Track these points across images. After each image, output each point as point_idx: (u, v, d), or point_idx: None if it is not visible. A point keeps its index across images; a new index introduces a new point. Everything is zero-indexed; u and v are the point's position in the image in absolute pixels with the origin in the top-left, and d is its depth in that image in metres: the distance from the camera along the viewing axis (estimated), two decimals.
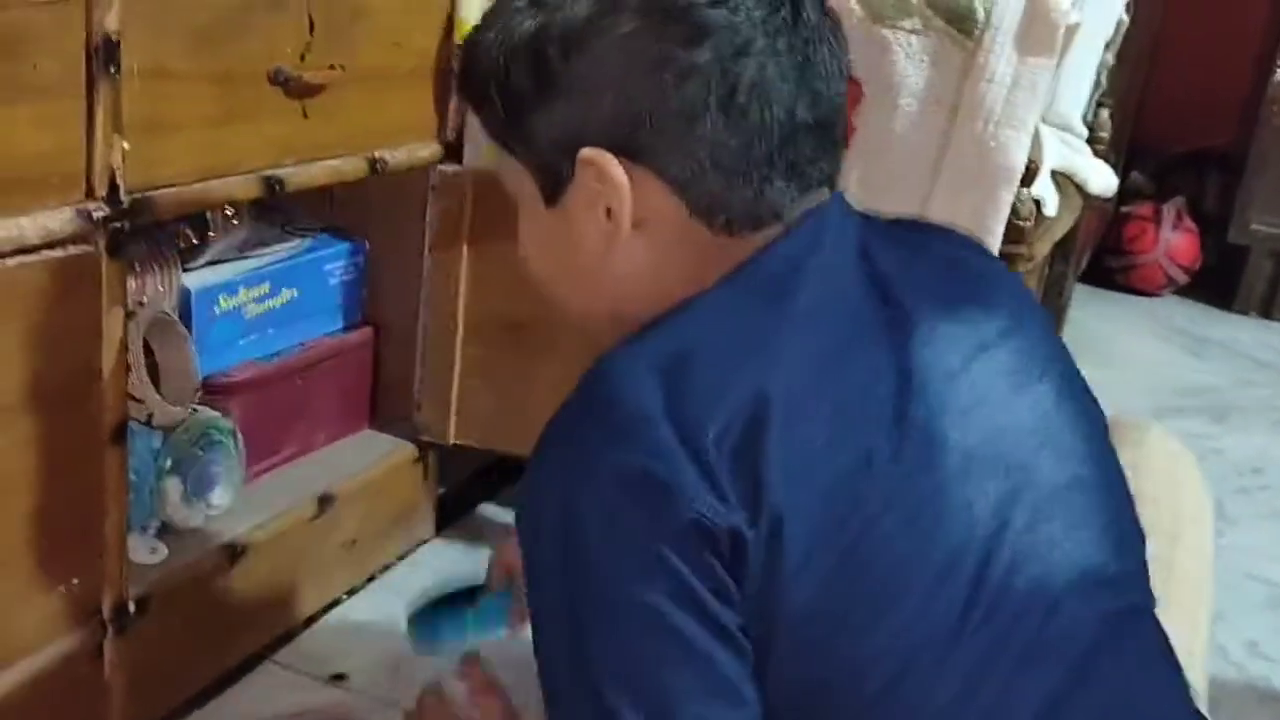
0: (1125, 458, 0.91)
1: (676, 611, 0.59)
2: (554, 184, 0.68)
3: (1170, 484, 0.97)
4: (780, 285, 0.64)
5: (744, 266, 0.65)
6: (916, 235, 0.75)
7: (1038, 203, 1.29)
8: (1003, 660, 0.62)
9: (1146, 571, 0.72)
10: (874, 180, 1.12)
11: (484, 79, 0.68)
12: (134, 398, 1.02)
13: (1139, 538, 0.72)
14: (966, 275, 0.72)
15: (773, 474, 0.59)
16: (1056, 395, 0.69)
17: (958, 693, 0.61)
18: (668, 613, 0.59)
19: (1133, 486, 0.73)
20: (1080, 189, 1.67)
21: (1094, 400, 0.73)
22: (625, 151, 0.65)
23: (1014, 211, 1.17)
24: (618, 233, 0.66)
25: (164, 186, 0.92)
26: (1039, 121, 1.20)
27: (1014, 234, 1.19)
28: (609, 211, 0.66)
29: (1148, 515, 0.86)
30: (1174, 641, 0.72)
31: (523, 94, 0.66)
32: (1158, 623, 0.71)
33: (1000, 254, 1.17)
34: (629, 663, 0.60)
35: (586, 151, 0.65)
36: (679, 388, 0.60)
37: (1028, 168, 1.15)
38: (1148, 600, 0.71)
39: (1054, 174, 1.43)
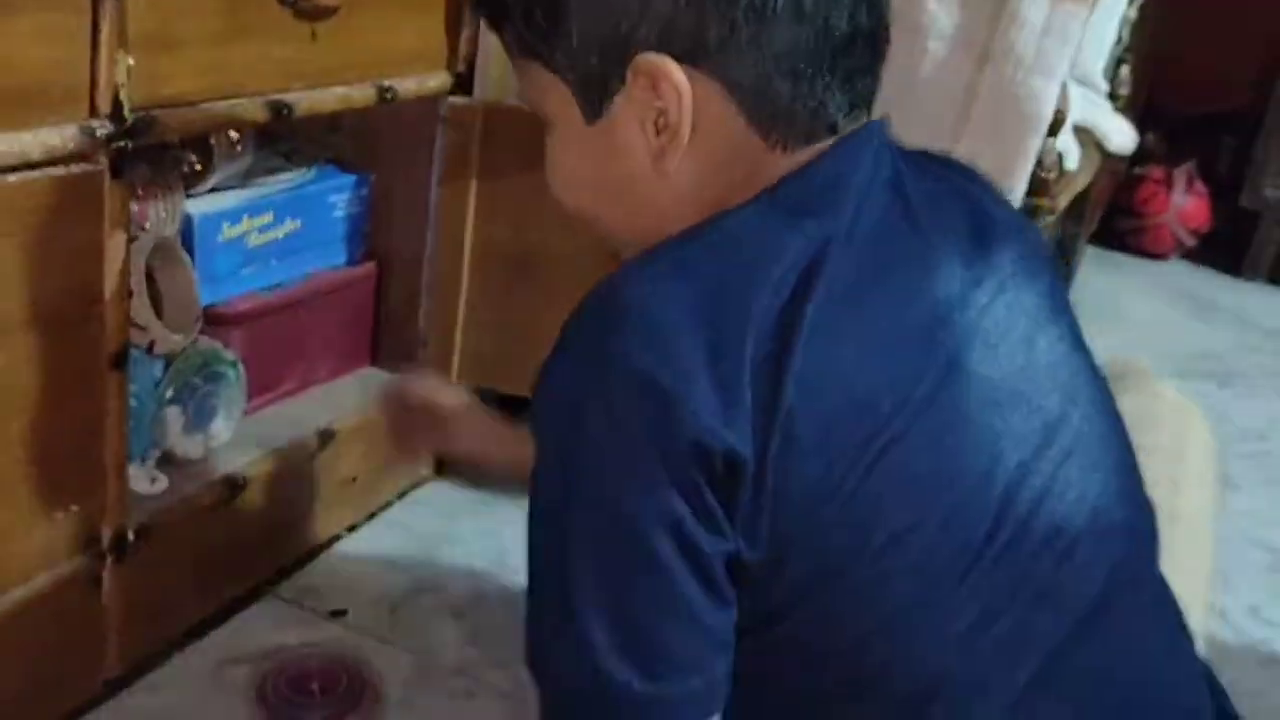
0: (1129, 404, 0.91)
1: (655, 529, 0.56)
2: (599, 96, 0.63)
3: (1175, 435, 0.96)
4: (821, 202, 0.62)
5: (788, 181, 0.62)
6: (943, 170, 0.73)
7: (1060, 155, 1.27)
8: (1020, 596, 0.61)
9: (1153, 520, 0.71)
10: (896, 124, 1.09)
11: None
12: (135, 324, 1.00)
13: (1143, 487, 0.71)
14: (987, 219, 0.70)
15: (796, 390, 0.57)
16: (1071, 340, 0.69)
17: (974, 621, 0.60)
18: (646, 530, 0.56)
19: (1137, 435, 0.72)
20: (1099, 145, 1.65)
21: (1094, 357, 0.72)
22: (685, 55, 0.60)
23: (1038, 162, 1.15)
24: (673, 145, 0.62)
25: (168, 105, 0.89)
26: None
27: (1036, 185, 1.17)
28: (659, 124, 0.62)
29: (1152, 465, 0.87)
30: (1176, 590, 0.71)
31: None
32: (1162, 577, 0.70)
33: (1022, 205, 1.15)
34: (601, 571, 0.58)
35: (645, 56, 0.60)
36: (714, 297, 0.58)
37: (1055, 118, 1.13)
38: (1154, 550, 0.70)
39: (1074, 128, 1.41)
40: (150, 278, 1.04)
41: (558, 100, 0.65)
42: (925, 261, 0.64)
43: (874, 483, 0.58)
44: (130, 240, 0.91)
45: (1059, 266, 0.76)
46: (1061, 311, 0.70)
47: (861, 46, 0.62)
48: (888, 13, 0.65)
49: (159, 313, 1.05)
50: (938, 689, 0.61)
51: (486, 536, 1.34)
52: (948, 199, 0.68)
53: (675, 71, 0.60)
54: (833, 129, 0.63)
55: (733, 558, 0.59)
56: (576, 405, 0.58)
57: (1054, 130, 1.14)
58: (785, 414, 0.57)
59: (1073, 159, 1.35)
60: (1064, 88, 1.14)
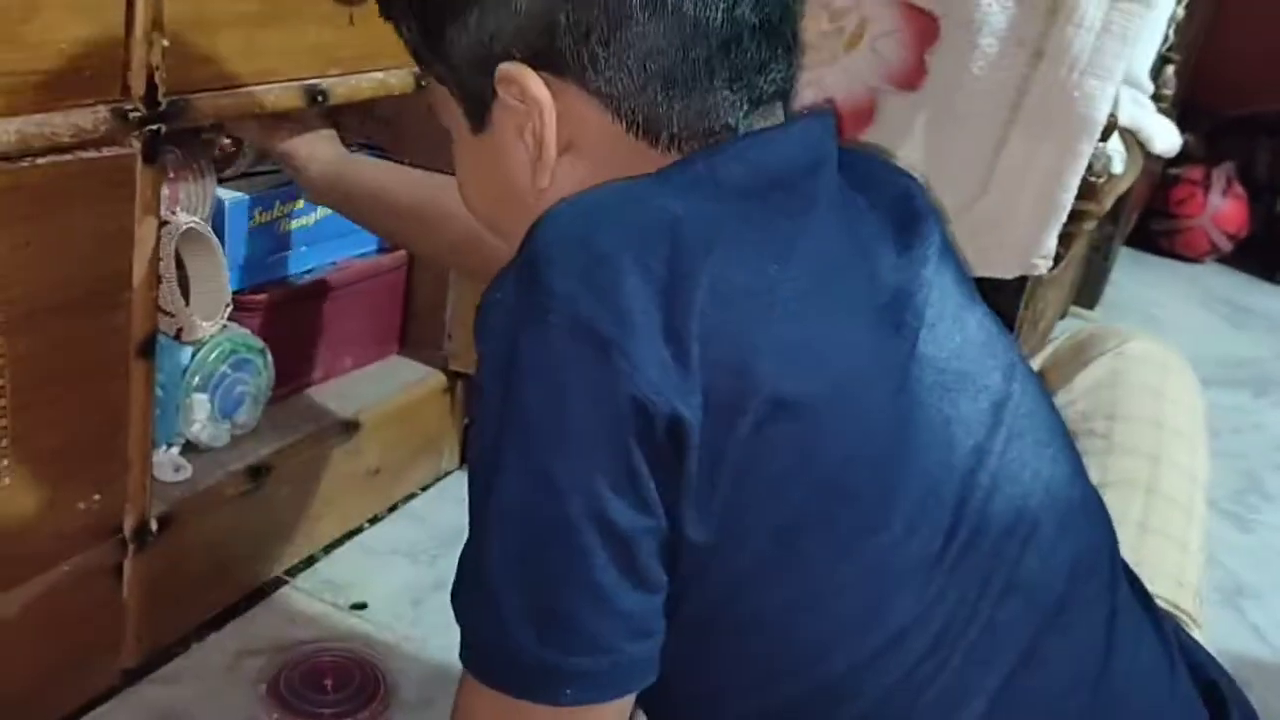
0: (1105, 367, 0.88)
1: (577, 507, 0.52)
2: (478, 107, 0.61)
3: (1153, 396, 0.90)
4: (779, 186, 0.58)
5: (728, 159, 0.57)
6: (865, 161, 0.70)
7: (1109, 159, 1.23)
8: (987, 593, 0.59)
9: (1102, 502, 0.69)
10: (943, 123, 1.07)
11: None
12: (164, 310, 0.99)
13: (1081, 460, 0.70)
14: (911, 206, 0.67)
15: (765, 358, 0.53)
16: (994, 319, 0.67)
17: (940, 629, 0.58)
18: (567, 507, 0.52)
19: (1112, 402, 0.73)
20: (1143, 147, 1.61)
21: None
22: (545, 64, 0.57)
23: (1088, 167, 1.12)
24: (544, 157, 0.59)
25: (203, 90, 0.87)
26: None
27: (1084, 190, 1.13)
28: (535, 134, 0.59)
29: (1128, 435, 0.84)
30: (1162, 568, 0.71)
31: (438, 3, 0.60)
32: (1124, 562, 0.68)
33: (1070, 210, 1.11)
34: (518, 539, 0.54)
35: (505, 66, 0.58)
36: (667, 233, 0.53)
37: (1107, 121, 1.09)
38: (1112, 532, 0.68)
39: (1120, 130, 1.38)
40: (179, 263, 1.02)
41: (450, 110, 0.64)
42: (867, 248, 0.62)
43: (834, 472, 0.55)
44: (161, 226, 0.89)
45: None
46: (975, 296, 0.68)
47: (751, 41, 0.58)
48: (792, 2, 0.60)
49: (187, 299, 1.03)
50: (906, 703, 0.58)
51: None
52: (876, 188, 0.66)
53: (533, 82, 0.58)
54: (729, 128, 0.59)
55: (671, 536, 0.55)
56: (512, 349, 0.53)
57: (1106, 135, 1.11)
58: (757, 390, 0.52)
59: (1119, 162, 1.32)
60: (1116, 90, 1.10)
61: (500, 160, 0.61)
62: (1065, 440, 0.67)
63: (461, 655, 0.58)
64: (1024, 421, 0.63)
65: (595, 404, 0.51)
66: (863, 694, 0.58)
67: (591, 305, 0.51)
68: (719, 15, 0.56)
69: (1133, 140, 1.55)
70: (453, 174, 0.68)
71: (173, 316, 1.00)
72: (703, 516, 0.54)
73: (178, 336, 1.02)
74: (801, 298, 0.55)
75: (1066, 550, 0.62)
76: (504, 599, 0.54)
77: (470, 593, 0.57)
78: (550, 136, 0.58)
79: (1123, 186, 1.52)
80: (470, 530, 0.57)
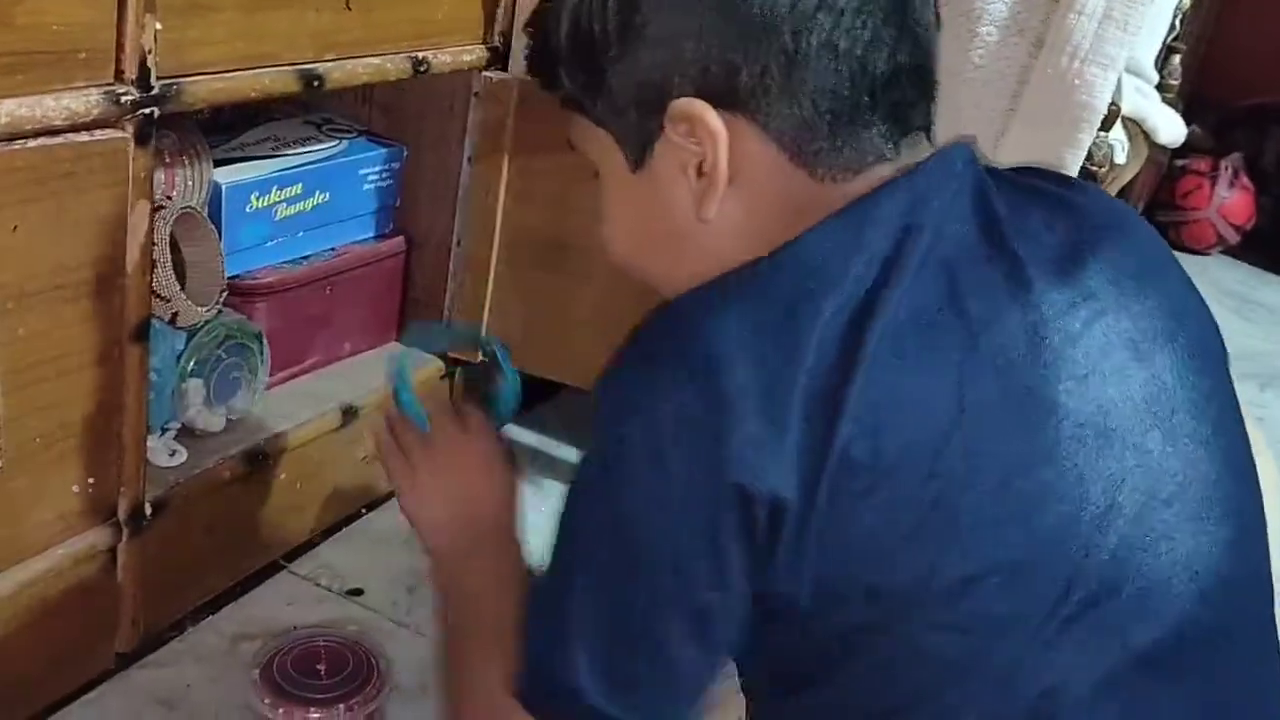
0: None
1: (665, 591, 0.57)
2: (640, 145, 0.63)
3: None
4: (890, 227, 0.59)
5: (855, 205, 0.60)
6: (1038, 181, 0.68)
7: (1110, 149, 1.22)
8: (1096, 663, 0.57)
9: (1268, 572, 0.65)
10: (943, 113, 1.05)
11: (561, 33, 0.63)
12: (158, 295, 0.98)
13: (1262, 530, 0.65)
14: (1087, 231, 0.64)
15: (852, 427, 0.54)
16: (1180, 367, 0.62)
17: (1044, 689, 0.56)
18: (659, 588, 0.57)
19: None
20: (1148, 137, 1.60)
21: (1220, 364, 0.66)
22: (719, 100, 0.60)
23: (1088, 156, 1.11)
24: (713, 189, 0.62)
25: (196, 74, 0.87)
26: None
27: (1085, 179, 1.13)
28: (700, 169, 0.62)
29: None
30: None
31: (605, 45, 0.62)
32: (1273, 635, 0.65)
33: None
34: (600, 607, 0.58)
35: (679, 103, 0.60)
36: (770, 326, 0.56)
37: (1108, 110, 1.08)
38: (1263, 609, 0.64)
39: (1123, 120, 1.37)
40: (175, 248, 1.02)
41: (603, 151, 0.66)
42: (1009, 285, 0.59)
43: (932, 529, 0.55)
44: (155, 210, 0.89)
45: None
46: (1181, 323, 0.63)
47: (907, 82, 0.62)
48: (935, 48, 0.64)
49: (182, 283, 1.03)
50: None
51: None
52: (1041, 213, 0.64)
53: (710, 116, 0.60)
54: (883, 158, 0.62)
55: (766, 599, 0.57)
56: (622, 432, 0.57)
57: (1107, 124, 1.10)
58: (839, 453, 0.54)
59: (1122, 152, 1.31)
60: (1119, 78, 1.09)
61: (658, 197, 0.64)
62: (1232, 510, 0.62)
63: (517, 681, 0.62)
64: (1178, 490, 0.59)
65: (699, 493, 0.56)
66: None
67: (699, 400, 0.55)
68: (883, 59, 0.60)
69: (1137, 130, 1.53)
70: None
71: (167, 301, 1.00)
72: (797, 581, 0.56)
73: (172, 322, 1.02)
74: (897, 351, 0.56)
75: (1200, 636, 0.59)
76: (581, 644, 0.58)
77: (546, 625, 0.61)
78: (723, 169, 0.61)
79: (1126, 177, 1.51)
80: (544, 587, 0.61)
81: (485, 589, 0.74)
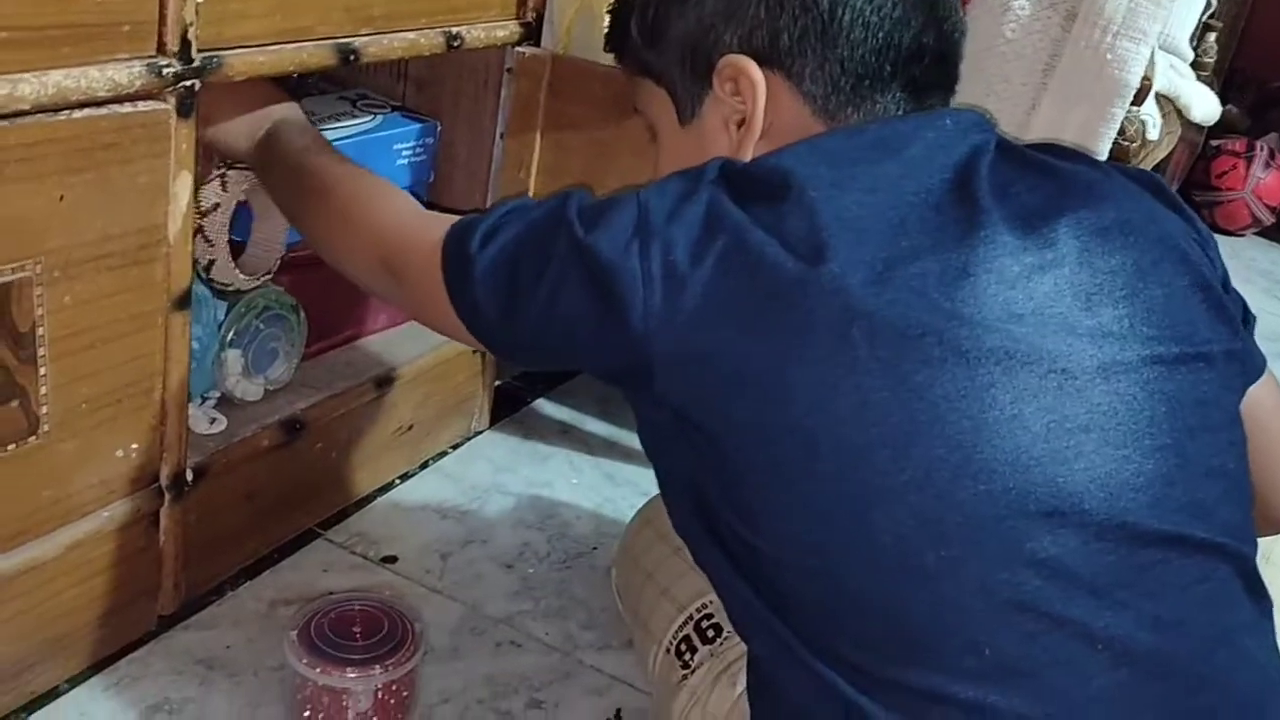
0: None
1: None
2: (692, 98, 0.75)
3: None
4: (860, 152, 0.66)
5: (834, 132, 0.70)
6: (1039, 154, 0.72)
7: (1143, 124, 1.22)
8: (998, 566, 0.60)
9: (1227, 513, 0.66)
10: (974, 87, 1.06)
11: None
12: (216, 281, 1.01)
13: (1224, 480, 0.66)
14: (1069, 188, 0.69)
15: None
16: (1135, 320, 0.65)
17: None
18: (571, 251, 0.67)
19: None
20: (1181, 115, 1.59)
21: (1205, 327, 0.67)
22: (761, 58, 0.71)
23: (1120, 131, 1.11)
24: (749, 135, 0.71)
25: (236, 47, 0.88)
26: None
27: (1117, 155, 1.12)
28: (740, 123, 0.72)
29: None
30: None
31: (666, 3, 0.74)
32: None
33: None
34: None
35: (729, 57, 0.71)
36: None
37: (1141, 84, 1.08)
38: (1213, 542, 0.64)
39: (1156, 96, 1.36)
40: (246, 215, 1.05)
41: (660, 106, 0.77)
42: (956, 230, 0.64)
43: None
44: (199, 182, 0.91)
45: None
46: (1135, 291, 0.65)
47: (931, 63, 0.71)
48: (959, 47, 0.74)
49: (236, 254, 1.06)
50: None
51: (538, 489, 1.34)
52: (1031, 179, 0.68)
53: (753, 69, 0.71)
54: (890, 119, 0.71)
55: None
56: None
57: (1140, 98, 1.10)
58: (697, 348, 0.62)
59: (1155, 129, 1.30)
60: (1152, 53, 1.09)
61: (703, 148, 0.74)
62: (1169, 457, 0.63)
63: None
64: (1099, 418, 0.62)
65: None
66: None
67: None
68: (908, 36, 0.70)
69: (1170, 107, 1.53)
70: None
71: (226, 284, 1.03)
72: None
73: (223, 295, 1.05)
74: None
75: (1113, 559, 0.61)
76: (505, 228, 0.72)
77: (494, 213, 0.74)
78: (759, 119, 0.71)
79: (1159, 155, 1.50)
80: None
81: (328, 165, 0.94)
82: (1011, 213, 0.65)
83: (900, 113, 0.71)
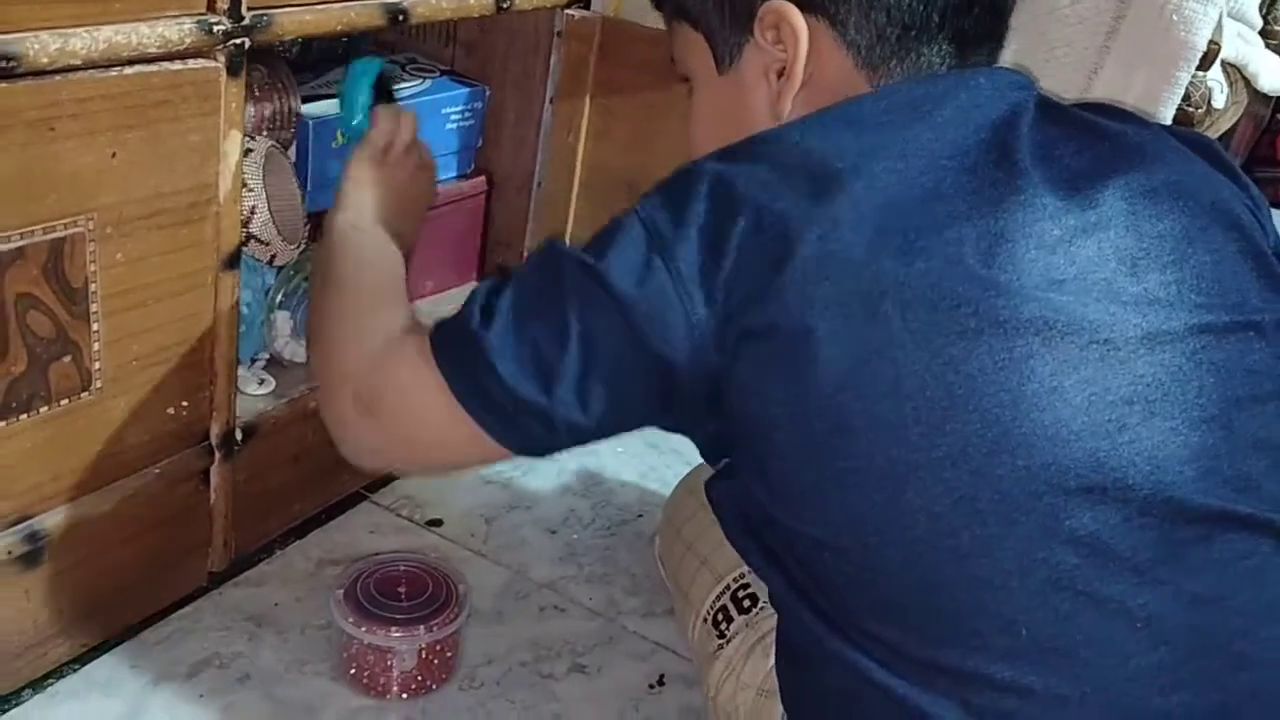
0: None
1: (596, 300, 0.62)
2: (731, 46, 0.71)
3: None
4: (889, 115, 0.63)
5: (862, 98, 0.65)
6: (1088, 114, 0.69)
7: (1209, 91, 1.18)
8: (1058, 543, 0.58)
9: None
10: (1035, 51, 1.03)
11: None
12: (258, 239, 1.01)
13: (1273, 453, 0.63)
14: (1118, 150, 0.66)
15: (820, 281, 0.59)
16: (1181, 287, 0.62)
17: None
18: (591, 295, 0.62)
19: None
20: (1249, 85, 1.54)
21: (1253, 296, 0.64)
22: (805, 5, 0.67)
23: (1185, 97, 1.07)
24: (789, 85, 0.68)
25: (286, 5, 0.88)
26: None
27: (1181, 121, 1.09)
28: (780, 72, 0.68)
29: None
30: None
31: None
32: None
33: None
34: (530, 290, 0.65)
35: (772, 3, 0.67)
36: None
37: (1208, 49, 1.05)
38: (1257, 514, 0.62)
39: (1223, 64, 1.32)
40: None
41: (697, 54, 0.73)
42: (993, 192, 0.61)
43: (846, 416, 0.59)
44: (245, 153, 0.91)
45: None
46: (1184, 256, 0.63)
47: (980, 13, 0.67)
48: (1010, 2, 0.70)
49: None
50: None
51: (582, 456, 1.34)
52: (1078, 141, 0.65)
53: (796, 17, 0.67)
54: (934, 77, 0.67)
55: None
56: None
57: (1206, 63, 1.07)
58: (752, 322, 0.59)
59: (1221, 97, 1.26)
60: (1220, 17, 1.05)
61: (740, 98, 0.71)
62: (1215, 429, 0.60)
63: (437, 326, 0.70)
64: (1143, 389, 0.59)
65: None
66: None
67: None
68: None
69: (1238, 76, 1.48)
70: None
71: (266, 245, 1.03)
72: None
73: (271, 262, 1.05)
74: (852, 226, 0.60)
75: (1154, 540, 0.59)
76: (505, 308, 0.65)
77: (484, 291, 0.68)
78: (800, 68, 0.68)
79: (1224, 125, 1.46)
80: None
81: (381, 255, 0.86)
82: (1054, 174, 0.62)
83: (945, 67, 0.67)
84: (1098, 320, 0.59)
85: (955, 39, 0.67)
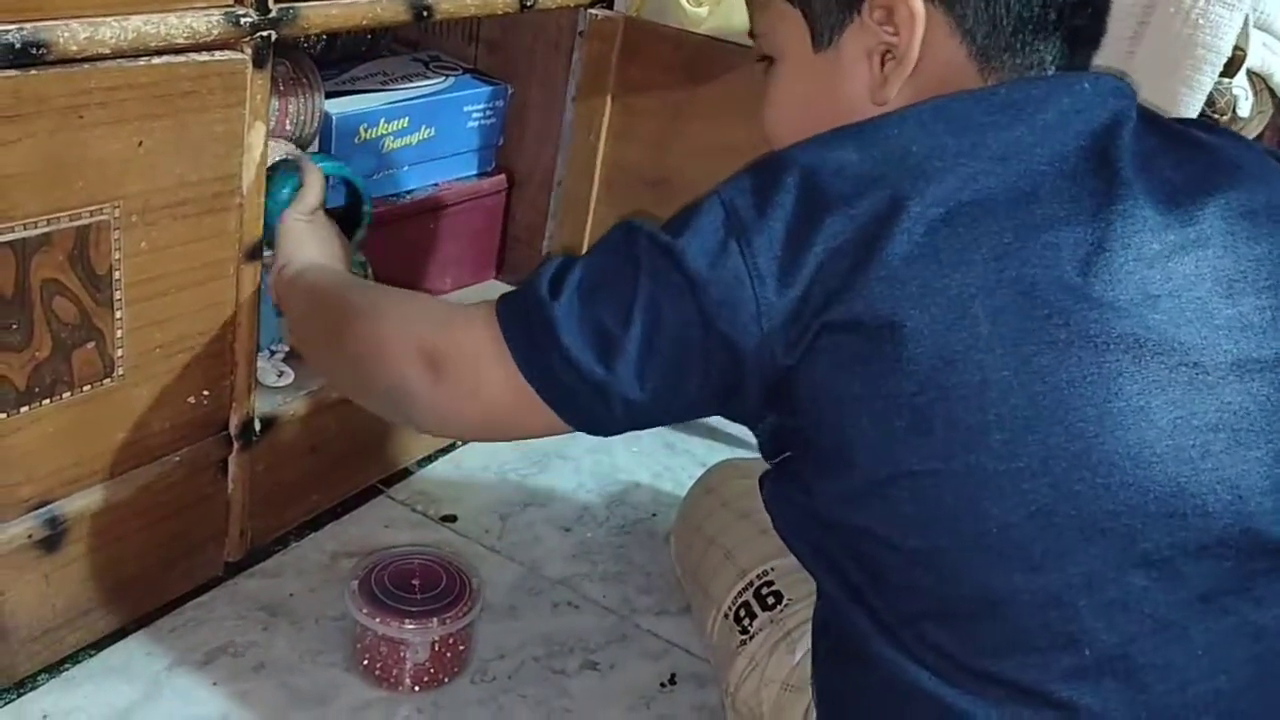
0: None
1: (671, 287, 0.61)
2: (832, 26, 0.67)
3: None
4: (990, 115, 0.60)
5: (966, 94, 0.62)
6: (1184, 127, 0.68)
7: (1234, 98, 1.18)
8: (1123, 564, 0.57)
9: None
10: None
11: None
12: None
13: None
14: (1216, 166, 0.64)
15: (905, 281, 0.57)
16: (1276, 312, 0.60)
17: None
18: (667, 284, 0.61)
19: None
20: (1274, 95, 1.53)
21: None
22: None
23: (1209, 102, 1.07)
24: (897, 73, 0.64)
25: None
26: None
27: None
28: (884, 56, 0.65)
29: None
30: None
31: None
32: None
33: None
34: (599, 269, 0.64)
35: None
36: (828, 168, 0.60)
37: (1233, 55, 1.04)
38: None
39: (1249, 74, 1.31)
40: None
41: (789, 30, 0.69)
42: (1091, 203, 0.59)
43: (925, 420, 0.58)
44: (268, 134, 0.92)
45: None
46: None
47: (1092, 13, 0.66)
48: (1109, 4, 0.68)
49: None
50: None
51: (598, 454, 1.34)
52: (1177, 154, 0.64)
53: (915, 1, 0.63)
54: (1043, 76, 0.64)
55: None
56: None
57: (1231, 70, 1.06)
58: (832, 319, 0.58)
59: (1245, 105, 1.26)
60: (1246, 21, 1.05)
61: (836, 80, 0.67)
62: None
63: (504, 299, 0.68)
64: (1229, 417, 0.58)
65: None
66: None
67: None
68: None
69: (1263, 86, 1.47)
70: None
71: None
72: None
73: None
74: (945, 225, 0.59)
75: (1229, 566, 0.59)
76: (573, 280, 0.64)
77: (552, 270, 0.66)
78: (915, 53, 0.64)
79: (1249, 134, 1.45)
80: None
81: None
82: (1155, 186, 0.61)
83: (1054, 65, 0.65)
84: (1189, 342, 0.58)
85: (1069, 37, 0.65)
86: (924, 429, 0.57)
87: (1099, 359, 0.56)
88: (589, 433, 0.68)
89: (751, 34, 0.74)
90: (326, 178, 1.01)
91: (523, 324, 0.65)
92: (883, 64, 0.65)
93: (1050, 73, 0.65)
